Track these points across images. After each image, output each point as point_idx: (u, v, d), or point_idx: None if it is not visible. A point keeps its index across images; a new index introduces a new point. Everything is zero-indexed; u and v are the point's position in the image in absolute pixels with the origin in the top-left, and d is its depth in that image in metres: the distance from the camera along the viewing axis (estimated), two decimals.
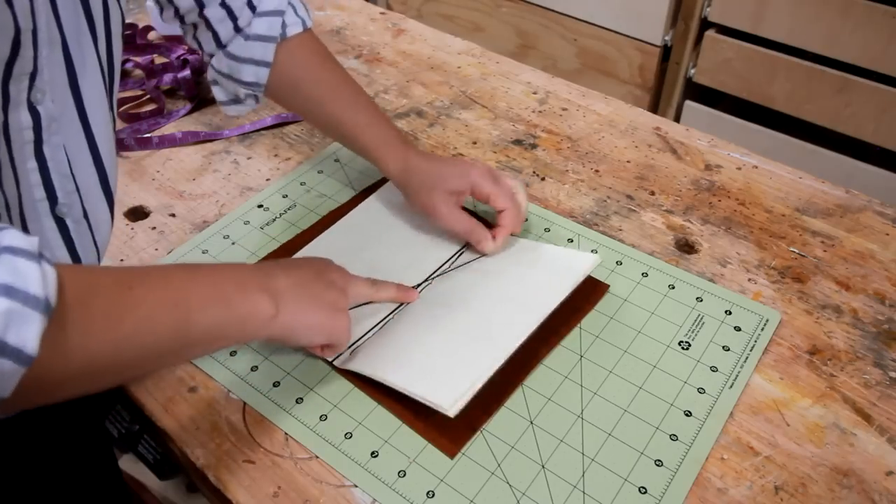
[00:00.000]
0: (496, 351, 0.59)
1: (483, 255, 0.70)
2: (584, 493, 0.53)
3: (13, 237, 0.35)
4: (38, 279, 0.34)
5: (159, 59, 1.01)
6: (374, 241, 0.73)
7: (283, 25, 0.67)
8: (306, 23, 0.70)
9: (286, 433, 0.58)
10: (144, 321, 0.42)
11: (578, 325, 0.65)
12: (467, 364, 0.58)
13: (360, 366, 0.60)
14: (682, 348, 0.63)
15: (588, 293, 0.67)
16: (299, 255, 0.72)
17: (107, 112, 0.53)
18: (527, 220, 0.76)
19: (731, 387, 0.60)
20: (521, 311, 0.62)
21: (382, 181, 0.81)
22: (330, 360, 0.62)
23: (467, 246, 0.72)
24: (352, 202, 0.78)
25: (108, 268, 0.45)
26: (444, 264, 0.70)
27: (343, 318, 0.57)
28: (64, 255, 0.49)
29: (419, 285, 0.68)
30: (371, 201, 0.78)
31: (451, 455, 0.55)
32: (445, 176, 0.68)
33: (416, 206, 0.70)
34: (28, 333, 0.33)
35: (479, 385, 0.56)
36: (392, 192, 0.78)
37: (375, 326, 0.64)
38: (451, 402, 0.55)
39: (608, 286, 0.68)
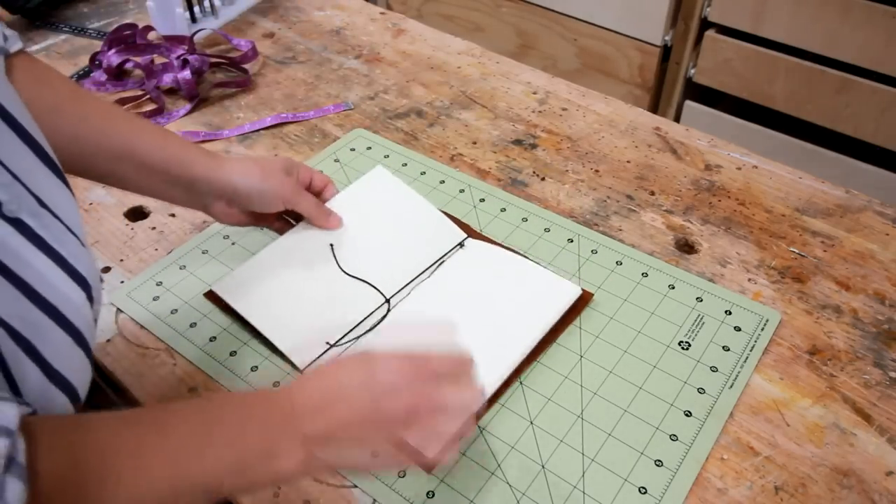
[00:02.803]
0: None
1: (464, 267, 0.69)
2: (584, 493, 0.53)
3: None
4: None
5: (159, 59, 1.01)
6: (349, 242, 0.70)
7: (4, 37, 0.52)
8: (20, 40, 0.55)
9: None
10: None
11: (578, 327, 0.65)
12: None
13: None
14: (682, 348, 0.63)
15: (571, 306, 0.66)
16: (266, 251, 0.68)
17: (2, 71, 0.44)
18: (526, 220, 0.76)
19: (731, 387, 0.60)
20: (503, 347, 0.61)
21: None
22: (301, 369, 0.61)
23: (446, 256, 0.70)
24: None
25: (97, 433, 0.38)
26: (421, 274, 0.69)
27: (410, 458, 0.46)
28: (43, 261, 0.41)
29: (394, 295, 0.67)
30: (341, 197, 0.72)
31: (428, 470, 0.54)
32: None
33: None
34: None
35: (457, 428, 0.55)
36: (363, 192, 0.74)
37: (351, 341, 0.63)
38: (430, 448, 0.53)
39: (592, 294, 0.68)
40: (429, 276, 0.68)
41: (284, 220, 0.70)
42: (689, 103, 1.55)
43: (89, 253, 0.45)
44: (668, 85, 1.59)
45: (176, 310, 0.67)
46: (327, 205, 0.70)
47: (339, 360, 0.47)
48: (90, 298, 0.44)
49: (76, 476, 0.35)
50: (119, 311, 0.68)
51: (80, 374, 0.42)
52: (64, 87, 0.58)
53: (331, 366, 0.47)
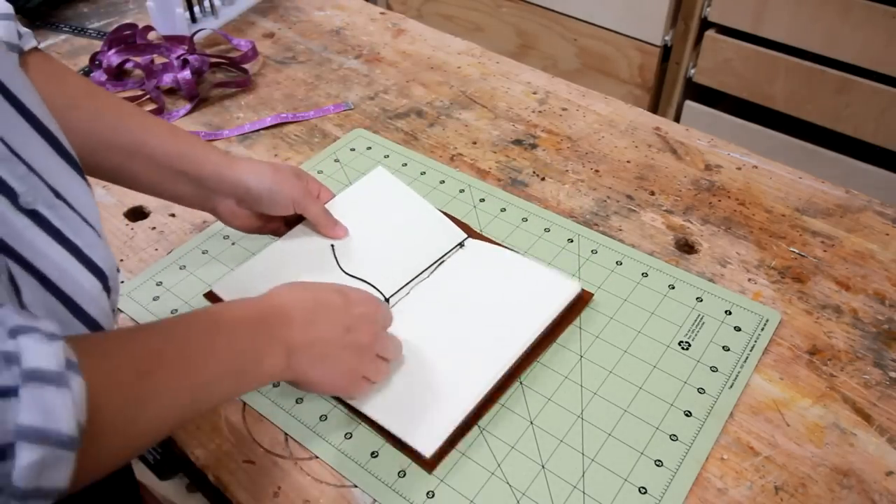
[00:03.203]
0: (475, 387, 0.58)
1: (464, 267, 0.69)
2: (584, 493, 0.53)
3: (36, 354, 0.31)
4: (69, 416, 0.31)
5: (159, 59, 1.01)
6: (349, 242, 0.69)
7: (19, 34, 0.54)
8: (34, 38, 0.57)
9: (286, 433, 0.58)
10: (159, 413, 0.40)
11: (578, 327, 0.65)
12: (445, 402, 0.57)
13: None
14: (682, 348, 0.63)
15: (571, 303, 0.66)
16: (267, 251, 0.68)
17: (16, 68, 0.45)
18: (526, 220, 0.76)
19: (731, 387, 0.60)
20: (501, 343, 0.61)
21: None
22: None
23: (446, 256, 0.70)
24: None
25: (127, 341, 0.40)
26: (421, 273, 0.68)
27: (360, 385, 0.56)
28: (59, 252, 0.41)
29: (394, 294, 0.66)
30: (342, 198, 0.72)
31: (430, 470, 0.55)
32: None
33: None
34: (62, 474, 0.32)
35: (455, 425, 0.56)
36: (363, 192, 0.74)
37: None
38: (428, 446, 0.55)
39: (592, 294, 0.68)
40: (428, 276, 0.68)
41: (290, 227, 0.70)
42: (689, 103, 1.55)
43: (105, 243, 0.46)
44: (668, 85, 1.59)
45: (176, 310, 0.67)
46: (327, 205, 0.70)
47: (314, 285, 0.53)
48: (107, 289, 0.45)
49: (114, 372, 0.37)
50: (119, 310, 0.68)
51: None
52: (78, 83, 0.59)
53: (309, 288, 0.53)
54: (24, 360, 0.31)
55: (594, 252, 0.72)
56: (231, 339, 0.46)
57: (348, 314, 0.53)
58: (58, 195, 0.43)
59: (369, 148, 0.87)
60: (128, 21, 1.07)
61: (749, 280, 0.70)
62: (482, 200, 0.79)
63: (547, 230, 0.75)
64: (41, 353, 0.31)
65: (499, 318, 0.64)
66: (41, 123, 0.44)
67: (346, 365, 0.53)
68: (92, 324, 0.43)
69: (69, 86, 0.57)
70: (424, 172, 0.83)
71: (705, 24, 1.47)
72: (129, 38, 1.02)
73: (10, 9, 0.54)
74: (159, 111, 0.93)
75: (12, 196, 0.39)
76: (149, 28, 1.04)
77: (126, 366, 0.38)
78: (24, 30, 0.55)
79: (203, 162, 0.62)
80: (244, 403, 0.60)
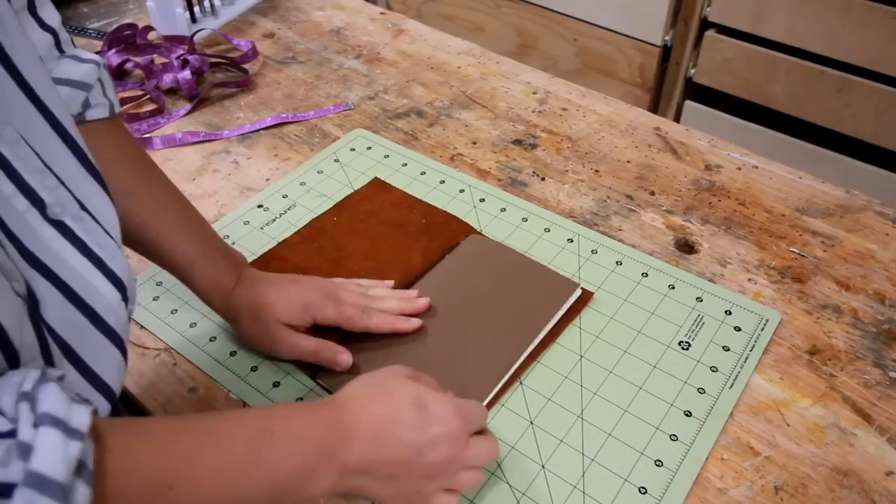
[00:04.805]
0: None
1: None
2: (584, 493, 0.53)
3: (47, 455, 0.30)
4: None
5: (159, 59, 1.01)
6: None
7: (86, 104, 0.55)
8: (114, 106, 0.58)
9: None
10: None
11: (578, 327, 0.65)
12: None
13: None
14: (682, 348, 0.63)
15: (572, 304, 0.66)
16: None
17: (49, 80, 0.44)
18: (526, 220, 0.76)
19: (731, 387, 0.60)
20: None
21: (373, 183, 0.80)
22: (313, 375, 0.61)
23: (447, 252, 0.70)
24: (348, 199, 0.78)
25: (159, 441, 0.38)
26: (427, 270, 0.68)
27: (440, 499, 0.49)
28: (83, 264, 0.41)
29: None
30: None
31: None
32: (277, 305, 0.60)
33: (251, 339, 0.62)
34: None
35: None
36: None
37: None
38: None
39: (592, 294, 0.68)
40: (431, 272, 0.69)
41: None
42: (689, 103, 1.55)
43: (123, 254, 0.46)
44: (668, 85, 1.59)
45: (176, 310, 0.67)
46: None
47: (393, 389, 0.48)
48: (125, 299, 0.44)
49: (134, 481, 0.35)
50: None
51: (115, 374, 0.43)
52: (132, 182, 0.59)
53: (385, 395, 0.48)
54: (33, 459, 0.30)
55: (594, 252, 0.72)
56: (279, 456, 0.42)
57: (423, 434, 0.47)
58: (83, 207, 0.43)
59: (369, 148, 0.87)
60: (128, 21, 1.07)
61: (749, 280, 0.70)
62: (482, 200, 0.79)
63: (547, 230, 0.75)
64: (53, 455, 0.30)
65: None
66: (69, 135, 0.44)
67: (416, 486, 0.48)
68: (110, 333, 0.43)
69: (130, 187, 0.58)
70: (424, 172, 0.83)
71: (705, 24, 1.47)
72: (129, 38, 1.02)
73: (88, 76, 0.55)
74: (159, 111, 0.93)
75: (41, 206, 0.39)
76: (149, 28, 1.04)
77: (150, 475, 0.36)
78: (100, 99, 0.56)
79: (206, 296, 0.61)
80: (244, 403, 0.60)
